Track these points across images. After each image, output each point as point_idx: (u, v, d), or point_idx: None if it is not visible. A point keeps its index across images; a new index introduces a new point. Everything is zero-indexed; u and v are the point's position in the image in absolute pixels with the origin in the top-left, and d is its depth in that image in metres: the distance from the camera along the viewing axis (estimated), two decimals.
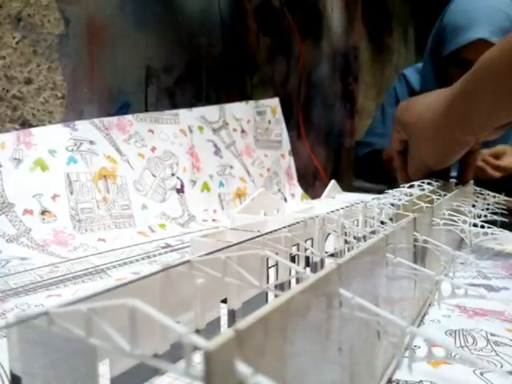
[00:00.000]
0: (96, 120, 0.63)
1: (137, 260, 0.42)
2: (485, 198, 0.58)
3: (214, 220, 0.67)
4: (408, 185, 0.44)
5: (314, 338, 0.13)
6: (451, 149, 0.50)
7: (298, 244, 0.25)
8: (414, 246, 0.27)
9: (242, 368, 0.08)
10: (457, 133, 0.48)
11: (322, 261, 0.27)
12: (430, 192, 0.40)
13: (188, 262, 0.16)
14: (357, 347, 0.17)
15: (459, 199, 0.48)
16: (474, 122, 0.46)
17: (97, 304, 0.10)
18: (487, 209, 0.53)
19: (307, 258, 0.27)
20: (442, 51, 1.03)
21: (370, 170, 1.32)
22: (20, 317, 0.11)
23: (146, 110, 0.73)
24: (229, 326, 0.10)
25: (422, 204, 0.33)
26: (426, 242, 0.27)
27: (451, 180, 0.56)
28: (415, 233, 0.27)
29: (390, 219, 0.29)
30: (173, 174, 0.70)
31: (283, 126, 1.02)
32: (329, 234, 0.26)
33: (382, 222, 0.27)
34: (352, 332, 0.16)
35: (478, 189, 0.61)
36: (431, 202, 0.36)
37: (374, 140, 1.32)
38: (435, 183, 0.48)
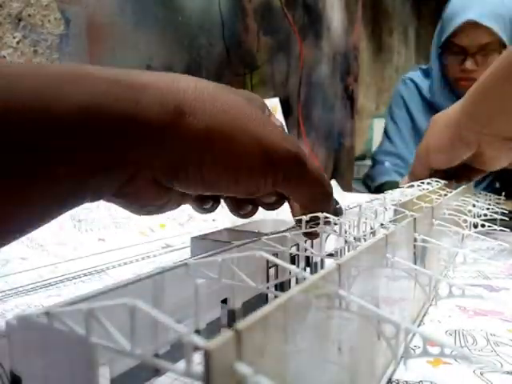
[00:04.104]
0: None
1: (137, 260, 0.42)
2: (490, 199, 0.58)
3: (213, 220, 0.67)
4: (407, 185, 0.44)
5: (313, 338, 0.13)
6: (454, 145, 0.51)
7: (297, 244, 0.25)
8: (414, 246, 0.27)
9: (242, 367, 0.08)
10: (462, 129, 0.50)
11: (322, 261, 0.27)
12: (429, 192, 0.40)
13: (185, 264, 0.16)
14: (356, 347, 0.17)
15: (459, 199, 0.48)
16: (479, 120, 0.49)
17: (97, 304, 0.10)
18: (487, 208, 0.53)
19: (307, 258, 0.27)
20: (440, 40, 1.03)
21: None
22: (21, 317, 0.11)
23: None
24: (229, 327, 0.10)
25: (422, 204, 0.33)
26: (425, 241, 0.27)
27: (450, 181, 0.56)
28: (415, 233, 0.27)
29: (390, 220, 0.29)
30: None
31: (283, 126, 1.02)
32: (329, 234, 0.26)
33: (383, 223, 0.27)
34: (351, 332, 0.16)
35: (483, 192, 0.61)
36: (431, 202, 0.36)
37: (389, 159, 1.19)
38: (435, 183, 0.48)
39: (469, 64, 0.98)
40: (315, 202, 0.26)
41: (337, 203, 0.29)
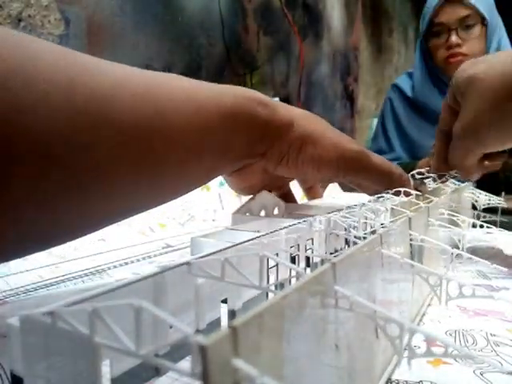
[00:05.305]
0: None
1: (137, 260, 0.43)
2: (490, 198, 0.58)
3: (213, 220, 0.67)
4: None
5: (310, 335, 0.13)
6: None
7: (298, 244, 0.25)
8: (411, 245, 0.27)
9: (239, 363, 0.09)
10: None
11: (323, 261, 0.27)
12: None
13: (187, 263, 0.16)
14: (354, 345, 0.17)
15: (458, 199, 0.48)
16: None
17: (102, 303, 0.10)
18: (485, 209, 0.52)
19: (307, 259, 0.27)
20: (424, 27, 1.06)
21: None
22: (23, 316, 0.11)
23: None
24: (229, 327, 0.10)
25: (421, 203, 0.33)
26: (422, 241, 0.27)
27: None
28: (411, 232, 0.27)
29: (391, 220, 0.29)
30: None
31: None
32: (329, 234, 0.26)
33: (383, 223, 0.27)
34: (349, 329, 0.16)
35: (478, 190, 0.61)
36: (430, 202, 0.36)
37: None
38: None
39: (453, 38, 1.00)
40: (385, 187, 0.35)
41: (421, 181, 0.39)
